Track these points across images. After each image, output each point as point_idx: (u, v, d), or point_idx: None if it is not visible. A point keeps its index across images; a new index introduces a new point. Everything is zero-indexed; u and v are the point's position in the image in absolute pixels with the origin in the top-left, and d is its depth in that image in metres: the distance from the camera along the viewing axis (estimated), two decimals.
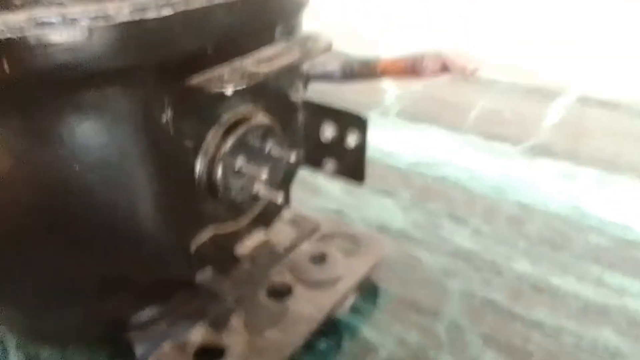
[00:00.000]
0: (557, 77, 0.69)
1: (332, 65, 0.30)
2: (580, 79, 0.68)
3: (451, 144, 0.52)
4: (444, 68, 0.28)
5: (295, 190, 0.43)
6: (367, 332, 0.30)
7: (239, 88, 0.18)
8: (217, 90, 0.18)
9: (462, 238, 0.38)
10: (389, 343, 0.30)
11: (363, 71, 0.30)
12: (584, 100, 0.62)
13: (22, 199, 0.18)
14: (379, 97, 0.63)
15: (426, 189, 0.44)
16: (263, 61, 0.19)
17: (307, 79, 0.30)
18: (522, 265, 0.36)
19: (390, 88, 0.65)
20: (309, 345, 0.29)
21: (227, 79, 0.18)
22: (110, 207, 0.20)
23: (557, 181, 0.46)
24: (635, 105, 0.61)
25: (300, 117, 0.26)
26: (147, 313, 0.26)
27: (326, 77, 0.31)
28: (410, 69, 0.29)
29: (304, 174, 0.27)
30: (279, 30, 0.23)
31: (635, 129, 0.56)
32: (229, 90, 0.17)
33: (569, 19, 0.90)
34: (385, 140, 0.53)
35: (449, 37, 0.85)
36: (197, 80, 0.18)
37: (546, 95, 0.64)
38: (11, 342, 0.30)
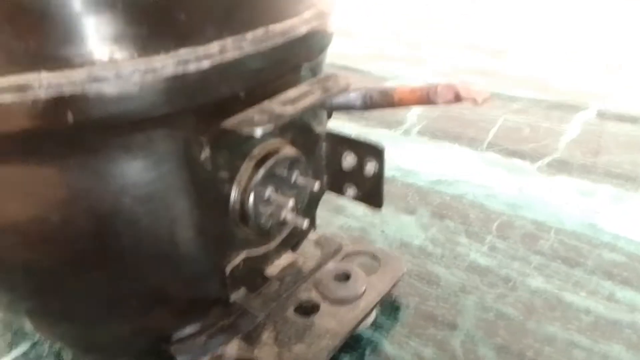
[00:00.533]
0: (578, 92, 0.70)
1: (354, 96, 0.33)
2: (601, 93, 0.69)
3: (470, 162, 0.54)
4: (457, 97, 0.30)
5: (321, 209, 0.45)
6: (388, 346, 0.32)
7: (267, 130, 0.20)
8: (247, 132, 0.20)
9: (478, 254, 0.40)
10: (408, 356, 0.31)
11: (382, 100, 0.33)
12: (603, 115, 0.63)
13: (80, 227, 0.21)
14: (402, 115, 0.65)
15: (445, 207, 0.46)
16: (288, 102, 0.22)
17: (331, 109, 0.32)
18: (536, 281, 0.37)
19: (413, 108, 0.66)
20: (333, 358, 0.31)
21: (256, 122, 0.20)
22: (155, 234, 0.22)
23: (573, 198, 0.47)
24: None
25: (324, 147, 0.28)
26: (187, 328, 0.28)
27: (348, 107, 0.33)
28: (425, 98, 0.31)
29: (329, 195, 0.29)
30: (303, 70, 0.25)
31: None
32: (258, 133, 0.20)
33: (588, 33, 0.90)
34: (407, 158, 0.55)
35: (474, 56, 0.87)
36: (230, 123, 0.20)
37: (566, 110, 0.65)
38: (67, 356, 0.33)
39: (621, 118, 0.62)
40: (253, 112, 0.21)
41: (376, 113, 0.66)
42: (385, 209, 0.46)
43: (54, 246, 0.22)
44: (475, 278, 0.38)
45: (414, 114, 0.65)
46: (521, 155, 0.54)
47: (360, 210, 0.46)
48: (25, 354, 0.32)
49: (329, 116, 0.33)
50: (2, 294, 0.25)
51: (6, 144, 0.19)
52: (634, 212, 0.45)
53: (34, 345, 0.33)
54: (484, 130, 0.60)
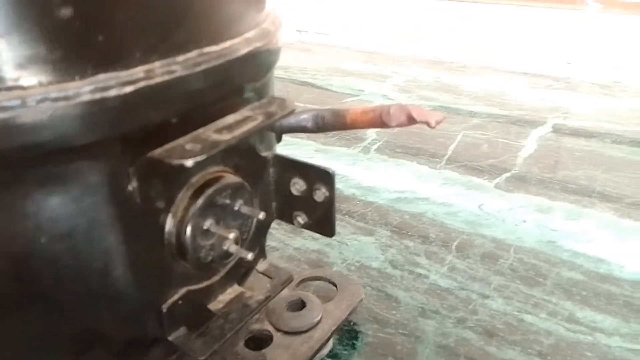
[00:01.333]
0: (535, 107, 0.71)
1: (305, 117, 0.31)
2: (557, 108, 0.70)
3: (430, 179, 0.53)
4: (410, 119, 0.29)
5: (278, 231, 0.44)
6: None
7: (199, 159, 0.18)
8: (177, 162, 0.18)
9: (438, 276, 0.39)
10: None
11: (334, 122, 0.31)
12: (559, 130, 0.64)
13: None
14: (361, 131, 0.64)
15: (404, 226, 0.45)
16: (225, 129, 0.20)
17: (281, 132, 0.31)
18: (496, 303, 0.36)
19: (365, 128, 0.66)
20: None
21: (187, 150, 0.19)
22: (80, 272, 0.20)
23: (531, 215, 0.47)
24: (608, 134, 0.63)
25: (271, 171, 0.26)
26: None
27: (299, 128, 0.32)
28: (378, 120, 0.30)
29: None
30: (247, 93, 0.24)
31: (607, 157, 0.57)
32: (189, 163, 0.18)
33: (546, 48, 0.92)
34: (366, 176, 0.54)
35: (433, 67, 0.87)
36: (158, 153, 0.19)
37: (524, 125, 0.66)
38: None
39: (576, 133, 0.63)
40: (185, 141, 0.19)
41: (334, 132, 0.65)
42: (344, 229, 0.45)
43: None
44: (435, 301, 0.37)
45: (373, 130, 0.64)
46: (480, 172, 0.54)
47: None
48: None
49: (279, 139, 0.31)
50: None
51: None
52: (591, 229, 0.45)
53: None
54: (443, 146, 0.60)
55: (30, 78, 0.16)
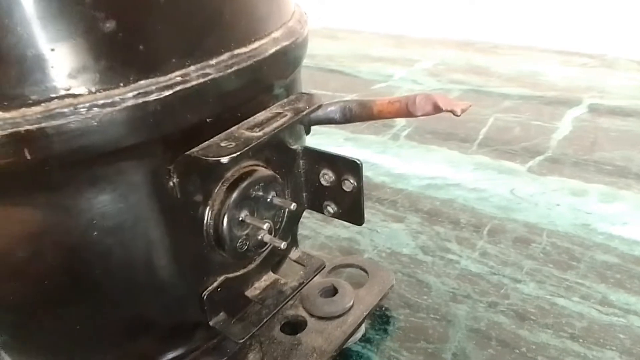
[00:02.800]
0: (570, 87, 0.70)
1: (332, 110, 0.32)
2: (593, 88, 0.69)
3: (460, 165, 0.53)
4: (436, 108, 0.29)
5: (309, 220, 0.45)
6: None
7: (234, 156, 0.20)
8: (213, 159, 0.19)
9: (469, 261, 0.40)
10: None
11: (361, 113, 0.32)
12: (595, 110, 0.63)
13: (50, 262, 0.21)
14: (391, 119, 0.64)
15: (435, 212, 0.46)
16: (257, 127, 0.21)
17: (309, 124, 0.32)
18: (528, 287, 0.37)
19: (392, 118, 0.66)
20: None
21: (222, 148, 0.20)
22: (128, 264, 0.22)
23: (565, 198, 0.46)
24: None
25: (301, 164, 0.27)
26: (171, 353, 0.28)
27: (327, 121, 0.33)
28: (404, 109, 0.31)
29: None
30: (276, 90, 0.25)
31: None
32: (224, 160, 0.19)
33: (580, 27, 0.89)
34: (396, 164, 0.54)
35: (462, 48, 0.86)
36: (196, 150, 0.20)
37: (558, 106, 0.65)
38: None
39: (613, 113, 0.62)
40: (220, 139, 0.21)
41: None
42: (374, 216, 0.45)
43: (24, 282, 0.21)
44: (467, 286, 0.37)
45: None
46: (512, 156, 0.54)
47: None
48: None
49: (308, 131, 0.32)
50: None
51: None
52: (626, 211, 0.44)
53: None
54: (474, 131, 0.60)
55: (80, 87, 0.18)
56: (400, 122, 0.63)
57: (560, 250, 0.40)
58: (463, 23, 1.00)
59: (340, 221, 0.45)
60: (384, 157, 0.55)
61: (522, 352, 0.32)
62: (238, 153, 0.20)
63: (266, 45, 0.23)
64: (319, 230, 0.44)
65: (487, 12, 0.99)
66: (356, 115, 0.32)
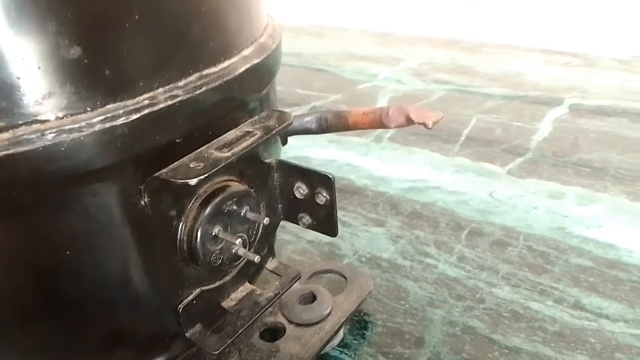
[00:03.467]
0: (552, 87, 0.70)
1: (309, 120, 0.33)
2: (575, 87, 0.69)
3: (442, 168, 0.54)
4: (409, 120, 0.30)
5: (291, 224, 0.45)
6: None
7: (202, 177, 0.20)
8: (182, 181, 0.20)
9: (447, 265, 0.40)
10: None
11: (336, 123, 0.33)
12: (575, 110, 0.63)
13: (22, 281, 0.21)
14: None
15: (415, 216, 0.46)
16: (226, 147, 0.22)
17: (286, 134, 0.32)
18: (503, 291, 0.37)
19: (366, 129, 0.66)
20: None
21: (191, 169, 0.20)
22: (101, 281, 0.22)
23: (543, 201, 0.47)
24: (625, 112, 0.62)
25: (276, 176, 0.28)
26: None
27: (304, 131, 0.33)
28: (378, 121, 0.31)
29: None
30: (249, 106, 0.25)
31: (623, 138, 0.57)
32: (192, 182, 0.20)
33: (562, 26, 0.90)
34: (378, 166, 0.55)
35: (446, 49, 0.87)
36: (165, 172, 0.20)
37: (539, 107, 0.65)
38: None
39: (593, 113, 0.63)
40: (189, 159, 0.21)
41: None
42: (356, 220, 0.46)
43: None
44: (444, 291, 0.38)
45: None
46: (492, 158, 0.55)
47: None
48: None
49: (285, 142, 0.33)
50: None
51: None
52: (602, 213, 0.45)
53: None
54: (456, 132, 0.60)
55: (47, 113, 0.18)
56: None
57: (535, 254, 0.41)
58: (449, 21, 1.00)
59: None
60: (366, 160, 0.56)
61: (494, 356, 0.32)
62: (206, 175, 0.20)
63: (236, 63, 0.23)
64: (301, 235, 0.45)
65: (474, 11, 1.00)
66: (332, 125, 0.33)
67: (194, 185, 0.23)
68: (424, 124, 0.29)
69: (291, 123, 0.24)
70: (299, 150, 0.57)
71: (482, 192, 0.49)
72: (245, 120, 0.24)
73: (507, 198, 0.48)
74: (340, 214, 0.47)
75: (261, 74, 0.25)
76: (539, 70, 0.77)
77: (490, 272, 0.39)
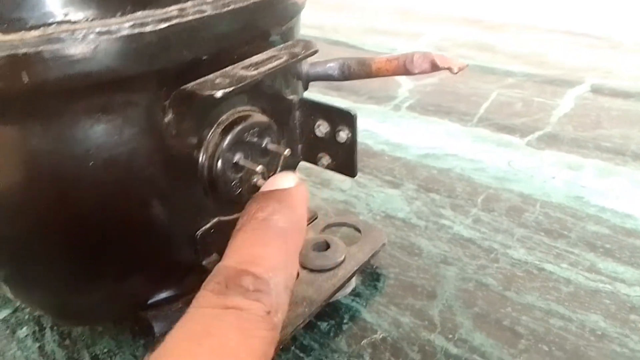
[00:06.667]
0: (574, 67, 0.69)
1: (331, 66, 0.32)
2: (597, 68, 0.68)
3: (460, 136, 0.53)
4: (433, 66, 0.30)
5: (306, 182, 0.46)
6: (366, 314, 0.33)
7: (227, 91, 0.20)
8: (207, 94, 0.20)
9: (462, 227, 0.40)
10: (385, 324, 0.32)
11: (360, 70, 0.32)
12: (597, 90, 0.62)
13: (45, 193, 0.21)
14: (393, 90, 0.64)
15: (431, 180, 0.46)
16: (252, 66, 0.22)
17: (308, 80, 0.32)
18: (518, 253, 0.37)
19: (404, 82, 0.66)
20: (312, 325, 0.32)
21: (217, 84, 0.20)
22: (122, 199, 0.23)
23: (561, 171, 0.47)
24: None
25: (297, 115, 0.28)
26: (163, 294, 0.28)
27: (326, 77, 0.33)
28: (402, 67, 0.31)
29: (315, 169, 0.29)
30: (273, 37, 0.25)
31: None
32: (218, 94, 0.20)
33: (587, 7, 0.89)
34: (396, 133, 0.55)
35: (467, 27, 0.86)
36: (190, 86, 0.20)
37: (561, 85, 0.65)
38: (47, 323, 0.33)
39: (615, 93, 0.62)
40: (215, 77, 0.21)
41: (366, 88, 0.65)
42: (371, 182, 0.46)
43: (18, 212, 0.22)
44: (458, 250, 0.38)
45: (406, 89, 0.64)
46: (512, 129, 0.54)
47: (345, 184, 0.46)
48: (5, 320, 0.33)
49: (306, 87, 0.32)
50: None
51: None
52: (621, 186, 0.44)
53: (14, 311, 0.33)
54: (475, 105, 0.60)
55: (78, 13, 0.18)
56: (403, 93, 0.63)
57: (552, 220, 0.40)
58: (471, 0, 0.99)
59: (336, 184, 0.46)
60: (384, 126, 0.56)
61: (507, 311, 0.32)
62: (232, 89, 0.20)
63: None
64: (315, 193, 0.45)
65: None
66: (355, 72, 0.33)
67: (216, 110, 0.23)
68: (450, 69, 0.29)
69: (317, 51, 0.24)
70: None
71: (500, 161, 0.49)
72: (271, 46, 0.24)
73: (526, 168, 0.47)
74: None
75: (289, 4, 0.24)
76: (561, 51, 0.76)
77: (506, 235, 0.39)
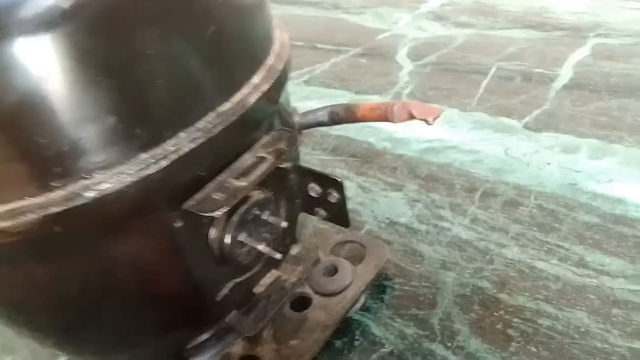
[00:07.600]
0: (575, 25, 0.69)
1: (321, 114, 0.35)
2: (600, 24, 0.68)
3: (459, 124, 0.55)
4: (411, 116, 0.32)
5: None
6: (375, 329, 0.37)
7: (225, 210, 0.24)
8: (210, 214, 0.24)
9: (460, 228, 0.43)
10: (392, 337, 0.36)
11: (346, 117, 0.35)
12: (598, 54, 0.63)
13: (91, 292, 0.26)
14: (394, 75, 0.66)
15: (432, 178, 0.49)
16: (244, 174, 0.25)
17: (301, 128, 0.35)
18: (511, 252, 0.41)
19: (406, 64, 0.67)
20: (327, 344, 0.36)
21: (215, 201, 0.24)
22: (155, 287, 0.27)
23: (557, 156, 0.49)
24: None
25: (293, 177, 0.31)
26: (201, 336, 0.34)
27: (317, 124, 0.36)
28: (384, 116, 0.34)
29: None
30: (263, 126, 0.28)
31: None
32: (218, 214, 0.23)
33: None
34: (397, 126, 0.57)
35: None
36: (191, 205, 0.24)
37: (562, 48, 0.65)
38: None
39: (616, 54, 0.62)
40: (211, 190, 0.24)
41: (370, 74, 0.67)
42: (375, 186, 0.49)
43: (76, 303, 0.27)
44: (456, 253, 0.41)
45: (406, 71, 0.66)
46: (510, 112, 0.56)
47: (351, 190, 0.49)
48: None
49: (300, 134, 0.36)
50: (31, 333, 0.30)
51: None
52: (614, 167, 0.46)
53: None
54: (475, 84, 0.61)
55: (92, 170, 0.22)
56: (403, 78, 0.65)
57: (545, 212, 0.43)
58: None
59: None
60: None
61: (500, 315, 0.36)
62: (228, 207, 0.24)
63: (248, 94, 0.25)
64: None
65: None
66: (342, 118, 0.35)
67: None
68: (426, 121, 0.31)
69: (297, 142, 0.27)
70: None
71: (498, 150, 0.51)
72: (260, 136, 0.27)
73: (522, 155, 0.50)
74: (360, 180, 0.50)
75: (272, 97, 0.27)
76: (564, 5, 0.74)
77: (501, 233, 0.42)
